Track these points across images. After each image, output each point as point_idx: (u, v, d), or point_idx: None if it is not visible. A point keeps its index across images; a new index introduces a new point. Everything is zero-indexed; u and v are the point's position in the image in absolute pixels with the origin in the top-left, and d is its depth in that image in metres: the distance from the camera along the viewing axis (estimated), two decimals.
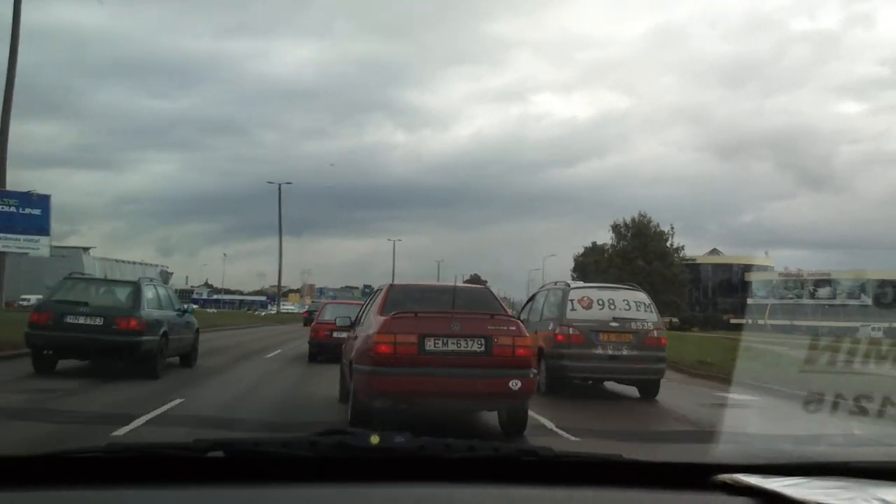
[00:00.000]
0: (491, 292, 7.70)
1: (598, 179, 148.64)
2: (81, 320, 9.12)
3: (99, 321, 9.10)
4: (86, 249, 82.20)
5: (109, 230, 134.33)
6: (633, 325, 9.63)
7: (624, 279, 33.76)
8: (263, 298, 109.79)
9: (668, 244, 61.46)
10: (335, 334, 10.89)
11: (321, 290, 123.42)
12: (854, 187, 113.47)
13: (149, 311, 9.61)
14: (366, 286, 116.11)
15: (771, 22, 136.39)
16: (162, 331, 9.69)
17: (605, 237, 69.19)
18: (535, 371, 6.79)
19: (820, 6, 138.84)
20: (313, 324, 13.99)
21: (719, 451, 4.14)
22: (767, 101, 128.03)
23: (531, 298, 12.00)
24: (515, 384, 6.05)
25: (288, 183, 44.09)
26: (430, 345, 6.05)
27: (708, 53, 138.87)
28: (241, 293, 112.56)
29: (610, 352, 9.49)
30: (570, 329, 9.54)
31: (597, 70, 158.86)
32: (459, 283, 8.74)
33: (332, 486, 1.42)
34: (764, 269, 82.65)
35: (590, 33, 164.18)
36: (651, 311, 9.83)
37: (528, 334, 6.59)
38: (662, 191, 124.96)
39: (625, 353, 9.50)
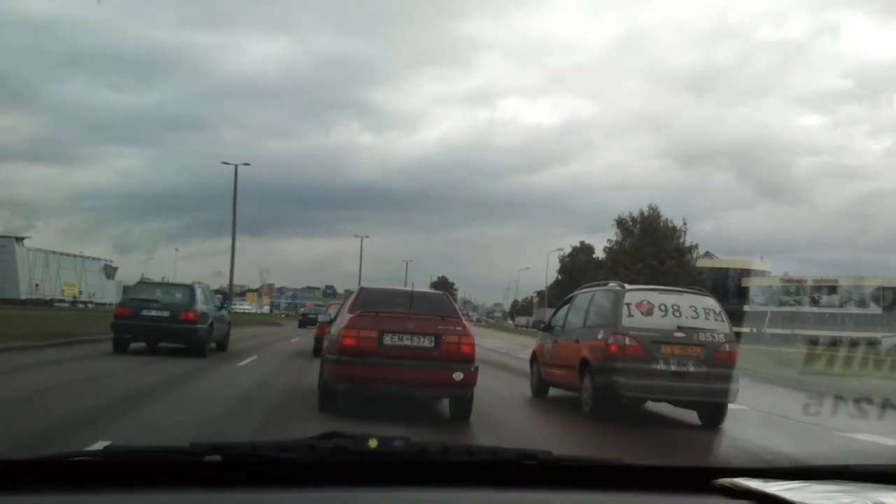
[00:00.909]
0: (448, 297, 8.82)
1: (560, 186, 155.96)
2: (154, 313, 12.96)
3: (166, 314, 12.89)
4: (20, 239, 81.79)
5: (66, 226, 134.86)
6: (702, 337, 8.55)
7: (633, 280, 31.22)
8: (217, 297, 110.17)
9: (680, 241, 57.90)
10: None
11: (280, 290, 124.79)
12: (812, 199, 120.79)
13: (200, 306, 13.36)
14: (327, 287, 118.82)
15: (738, 30, 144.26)
16: (209, 321, 13.54)
17: (590, 239, 70.35)
18: (477, 365, 7.63)
19: (788, 15, 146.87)
20: (318, 322, 17.09)
21: (720, 455, 5.23)
22: (730, 110, 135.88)
23: (566, 301, 11.12)
24: (458, 375, 7.19)
25: (246, 164, 44.61)
26: (388, 340, 7.24)
27: (674, 60, 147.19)
28: None
29: (673, 367, 8.37)
30: (627, 339, 8.44)
31: (564, 75, 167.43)
32: (420, 289, 11.21)
33: (330, 490, 1.50)
34: (761, 274, 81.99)
35: (558, 37, 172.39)
36: (722, 320, 8.78)
37: (472, 334, 7.63)
38: (623, 198, 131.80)
39: (691, 369, 8.39)
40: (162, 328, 13.08)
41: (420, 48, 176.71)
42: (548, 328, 11.13)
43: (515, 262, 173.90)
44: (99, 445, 5.54)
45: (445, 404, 8.11)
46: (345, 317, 7.67)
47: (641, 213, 59.91)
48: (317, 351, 15.23)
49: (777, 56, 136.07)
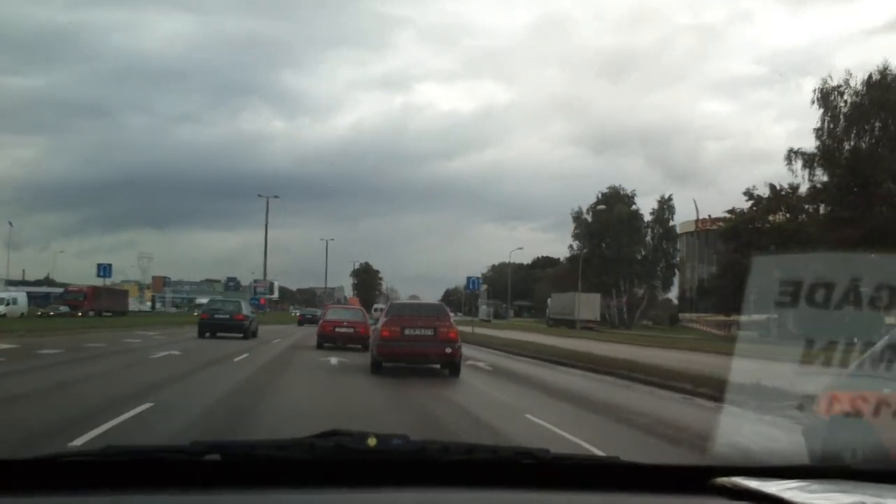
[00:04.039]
0: (444, 306, 18.17)
1: (477, 173, 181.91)
2: (219, 316, 29.40)
3: (227, 316, 29.03)
4: None
5: None
6: None
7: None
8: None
9: None
10: (337, 329, 24.70)
11: (166, 281, 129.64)
12: (718, 183, 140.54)
13: (245, 311, 29.52)
14: (229, 279, 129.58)
15: (654, 16, 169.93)
16: (250, 320, 29.62)
17: (500, 229, 71.02)
18: (460, 344, 15.57)
19: (703, 3, 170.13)
20: (321, 321, 27.32)
21: (718, 454, 6.22)
22: (644, 96, 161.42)
23: None
24: (448, 350, 15.53)
25: None
26: (407, 332, 15.55)
27: (590, 47, 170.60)
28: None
29: None
30: None
31: (481, 60, 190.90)
32: (426, 301, 27.19)
33: (330, 490, 1.80)
34: None
35: (476, 21, 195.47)
36: None
37: (455, 327, 16.16)
38: (537, 185, 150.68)
39: None
40: (225, 324, 29.60)
41: (333, 30, 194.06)
42: None
43: (434, 251, 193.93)
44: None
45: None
46: (382, 320, 16.87)
47: (872, 76, 39.23)
48: (319, 343, 24.80)
49: (691, 43, 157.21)
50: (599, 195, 74.98)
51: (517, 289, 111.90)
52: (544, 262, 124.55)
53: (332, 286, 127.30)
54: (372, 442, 1.89)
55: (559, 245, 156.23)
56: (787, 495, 1.77)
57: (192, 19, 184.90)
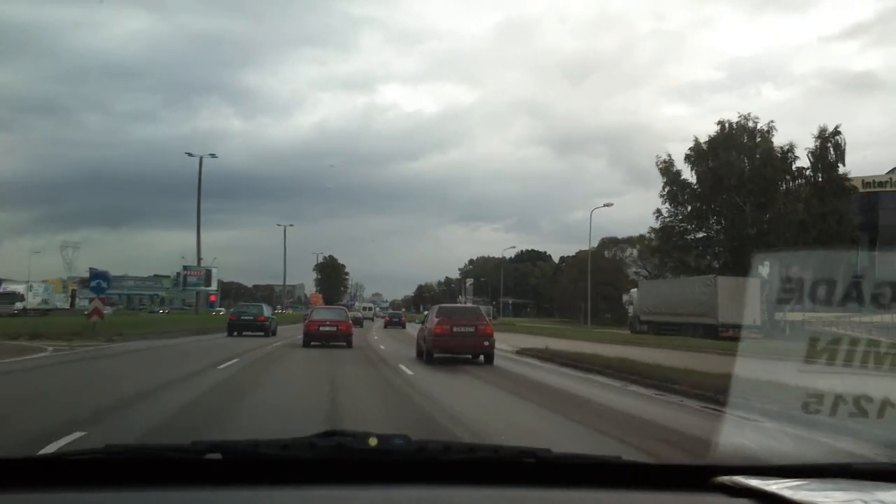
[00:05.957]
0: (480, 309, 27.30)
1: (440, 174, 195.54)
2: (246, 317, 36.59)
3: (252, 317, 36.15)
4: None
5: None
6: None
7: None
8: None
9: None
10: (321, 328, 29.32)
11: (92, 275, 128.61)
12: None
13: (266, 313, 36.54)
14: (178, 274, 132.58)
15: (619, 21, 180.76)
16: (270, 320, 36.57)
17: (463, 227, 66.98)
18: (494, 339, 22.52)
19: (668, 9, 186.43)
20: (307, 321, 31.46)
21: (719, 453, 6.37)
22: (606, 99, 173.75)
23: None
24: (486, 343, 22.49)
25: None
26: (455, 329, 22.46)
27: (555, 50, 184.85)
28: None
29: None
30: None
31: (445, 62, 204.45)
32: (467, 305, 37.79)
33: (330, 487, 1.93)
34: None
35: (441, 23, 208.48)
36: None
37: (490, 325, 23.29)
38: (500, 185, 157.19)
39: None
40: (250, 324, 37.65)
41: (297, 30, 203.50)
42: None
43: (399, 251, 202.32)
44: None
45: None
46: (434, 320, 22.91)
47: None
48: (305, 342, 29.20)
49: (654, 48, 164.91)
50: (717, 128, 53.59)
51: (505, 285, 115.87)
52: (528, 256, 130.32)
53: (292, 283, 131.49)
54: (373, 442, 2.10)
55: (524, 245, 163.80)
56: (787, 493, 1.94)
57: (153, 17, 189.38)
